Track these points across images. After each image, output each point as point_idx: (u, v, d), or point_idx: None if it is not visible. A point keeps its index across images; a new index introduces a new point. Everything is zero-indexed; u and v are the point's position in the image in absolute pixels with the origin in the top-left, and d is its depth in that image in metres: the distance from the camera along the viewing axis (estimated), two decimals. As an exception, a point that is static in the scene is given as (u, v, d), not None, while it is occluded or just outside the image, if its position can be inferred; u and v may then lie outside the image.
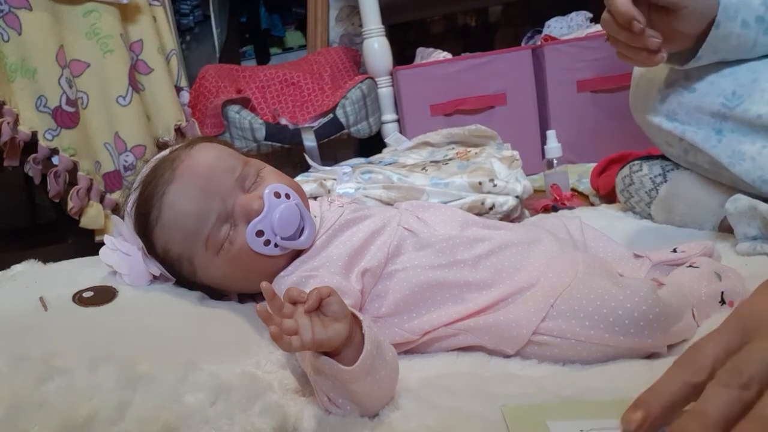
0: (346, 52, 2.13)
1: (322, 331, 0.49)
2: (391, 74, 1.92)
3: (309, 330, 0.49)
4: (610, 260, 0.72)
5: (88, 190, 1.27)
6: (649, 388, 0.36)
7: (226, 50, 2.72)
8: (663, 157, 1.03)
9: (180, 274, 0.70)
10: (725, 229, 0.91)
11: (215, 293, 0.72)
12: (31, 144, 1.21)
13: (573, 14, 1.92)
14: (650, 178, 1.05)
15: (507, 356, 0.63)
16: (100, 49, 1.33)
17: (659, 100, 0.92)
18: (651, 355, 0.60)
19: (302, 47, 3.05)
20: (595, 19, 1.90)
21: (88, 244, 1.26)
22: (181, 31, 2.62)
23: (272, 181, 0.70)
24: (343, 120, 1.83)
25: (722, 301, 0.65)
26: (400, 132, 1.81)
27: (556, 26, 1.91)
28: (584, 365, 0.59)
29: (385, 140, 1.65)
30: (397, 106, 1.91)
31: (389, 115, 1.93)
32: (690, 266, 0.69)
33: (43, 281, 0.72)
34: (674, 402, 0.35)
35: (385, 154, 1.46)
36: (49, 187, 1.21)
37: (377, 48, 1.90)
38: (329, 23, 2.31)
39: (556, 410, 0.50)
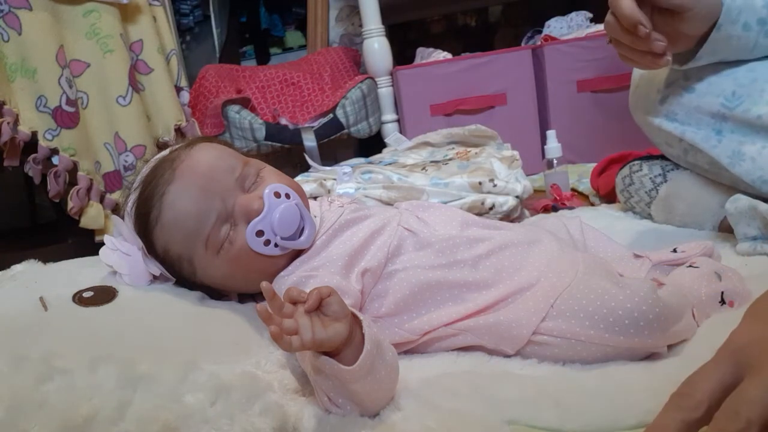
0: (346, 52, 2.13)
1: (322, 331, 0.49)
2: (391, 74, 1.92)
3: (309, 330, 0.49)
4: (610, 260, 0.72)
5: (88, 190, 1.27)
6: (648, 427, 0.37)
7: (226, 50, 2.72)
8: (663, 157, 1.03)
9: (180, 274, 0.70)
10: (725, 229, 0.91)
11: (215, 293, 0.72)
12: (31, 144, 1.21)
13: (573, 14, 1.92)
14: (650, 178, 1.05)
15: (507, 356, 0.63)
16: (100, 49, 1.33)
17: (659, 101, 0.92)
18: (651, 355, 0.60)
19: (302, 47, 3.05)
20: (595, 19, 1.90)
21: (88, 244, 1.26)
22: (181, 31, 2.61)
23: (272, 181, 0.70)
24: (343, 120, 1.83)
25: (722, 301, 0.65)
26: (400, 132, 1.81)
27: (556, 26, 1.91)
28: (584, 365, 0.59)
29: (385, 140, 1.65)
30: (397, 106, 1.91)
31: (389, 115, 1.93)
32: (690, 266, 0.69)
33: (43, 281, 0.72)
34: None
35: (385, 154, 1.46)
36: (49, 187, 1.21)
37: (377, 48, 1.90)
38: (329, 23, 2.31)
39: None
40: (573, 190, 1.43)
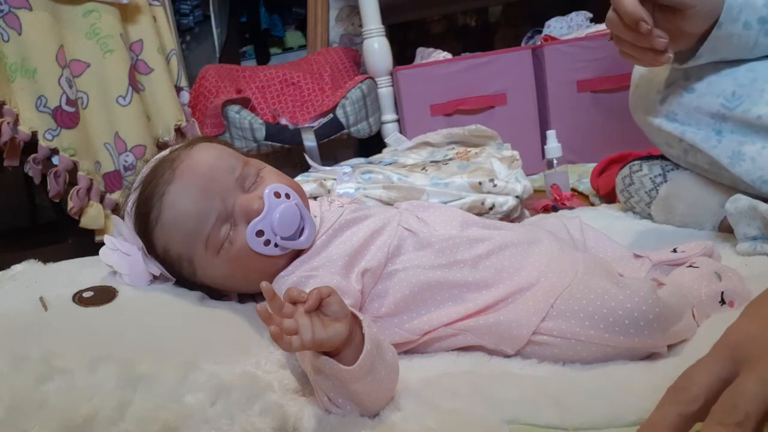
0: (346, 52, 2.13)
1: (322, 331, 0.49)
2: (391, 74, 1.92)
3: (309, 330, 0.49)
4: (610, 260, 0.72)
5: (88, 190, 1.27)
6: (645, 422, 0.37)
7: (226, 50, 2.72)
8: (663, 157, 1.03)
9: (180, 274, 0.70)
10: (725, 229, 0.91)
11: (215, 293, 0.72)
12: (31, 144, 1.21)
13: (573, 14, 1.92)
14: (650, 178, 1.05)
15: (507, 356, 0.63)
16: (100, 49, 1.33)
17: (659, 101, 0.92)
18: (651, 355, 0.60)
19: (302, 47, 3.05)
20: (595, 19, 1.90)
21: (88, 244, 1.26)
22: (181, 31, 2.61)
23: (272, 181, 0.70)
24: (343, 120, 1.83)
25: (722, 301, 0.65)
26: (400, 132, 1.81)
27: (556, 26, 1.91)
28: (584, 365, 0.59)
29: (385, 140, 1.65)
30: (397, 106, 1.91)
31: (389, 115, 1.93)
32: (690, 266, 0.69)
33: (43, 281, 0.71)
34: None
35: (385, 154, 1.46)
36: (49, 187, 1.21)
37: (377, 48, 1.90)
38: (329, 23, 2.31)
39: None
40: (573, 190, 1.43)
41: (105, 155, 1.33)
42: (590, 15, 1.91)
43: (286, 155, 1.86)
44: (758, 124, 0.82)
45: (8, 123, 1.15)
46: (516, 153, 1.28)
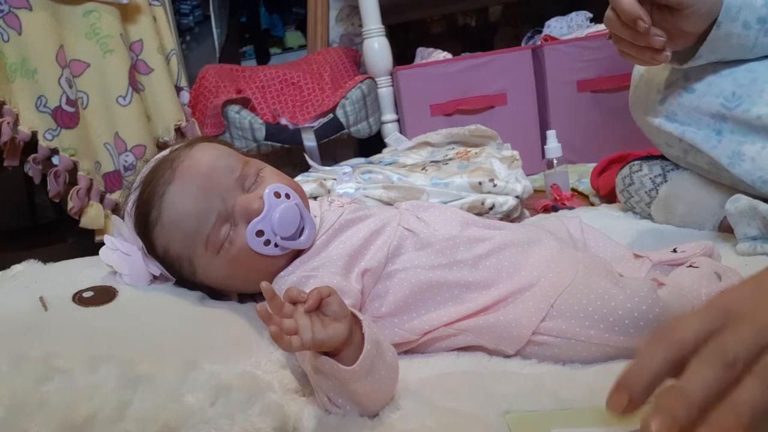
0: (346, 52, 2.14)
1: (322, 331, 0.49)
2: (391, 74, 1.92)
3: (309, 330, 0.49)
4: (610, 260, 0.72)
5: (88, 190, 1.27)
6: (629, 366, 0.34)
7: (226, 50, 2.72)
8: (663, 158, 1.03)
9: (180, 274, 0.70)
10: (725, 229, 0.91)
11: (215, 293, 0.72)
12: (31, 144, 1.21)
13: (573, 14, 1.92)
14: (650, 178, 1.05)
15: (507, 356, 0.63)
16: (100, 49, 1.33)
17: (659, 101, 0.92)
18: (651, 355, 0.60)
19: (302, 47, 3.05)
20: (595, 19, 1.90)
21: (88, 244, 1.26)
22: (181, 31, 2.62)
23: (272, 181, 0.70)
24: (343, 120, 1.83)
25: (722, 301, 0.65)
26: (400, 132, 1.81)
27: (556, 26, 1.91)
28: (584, 365, 0.59)
29: (385, 140, 1.65)
30: (397, 106, 1.91)
31: (389, 115, 1.93)
32: (690, 266, 0.69)
33: (43, 281, 0.71)
34: (657, 380, 0.34)
35: (385, 154, 1.46)
36: (49, 187, 1.21)
37: (377, 48, 1.90)
38: (329, 23, 2.31)
39: (561, 418, 0.50)
40: (573, 190, 1.43)
41: (105, 155, 1.33)
42: (590, 15, 1.92)
43: (286, 155, 1.86)
44: (758, 124, 0.83)
45: (8, 123, 1.15)
46: (516, 153, 1.28)
